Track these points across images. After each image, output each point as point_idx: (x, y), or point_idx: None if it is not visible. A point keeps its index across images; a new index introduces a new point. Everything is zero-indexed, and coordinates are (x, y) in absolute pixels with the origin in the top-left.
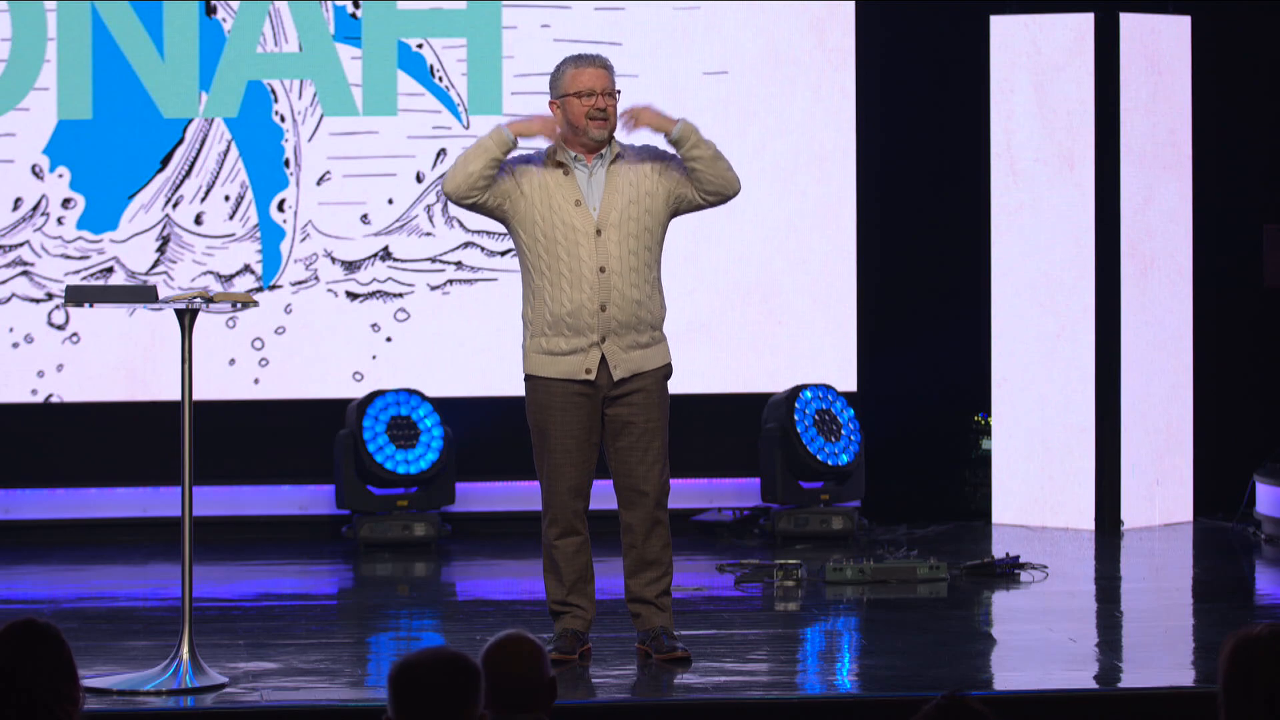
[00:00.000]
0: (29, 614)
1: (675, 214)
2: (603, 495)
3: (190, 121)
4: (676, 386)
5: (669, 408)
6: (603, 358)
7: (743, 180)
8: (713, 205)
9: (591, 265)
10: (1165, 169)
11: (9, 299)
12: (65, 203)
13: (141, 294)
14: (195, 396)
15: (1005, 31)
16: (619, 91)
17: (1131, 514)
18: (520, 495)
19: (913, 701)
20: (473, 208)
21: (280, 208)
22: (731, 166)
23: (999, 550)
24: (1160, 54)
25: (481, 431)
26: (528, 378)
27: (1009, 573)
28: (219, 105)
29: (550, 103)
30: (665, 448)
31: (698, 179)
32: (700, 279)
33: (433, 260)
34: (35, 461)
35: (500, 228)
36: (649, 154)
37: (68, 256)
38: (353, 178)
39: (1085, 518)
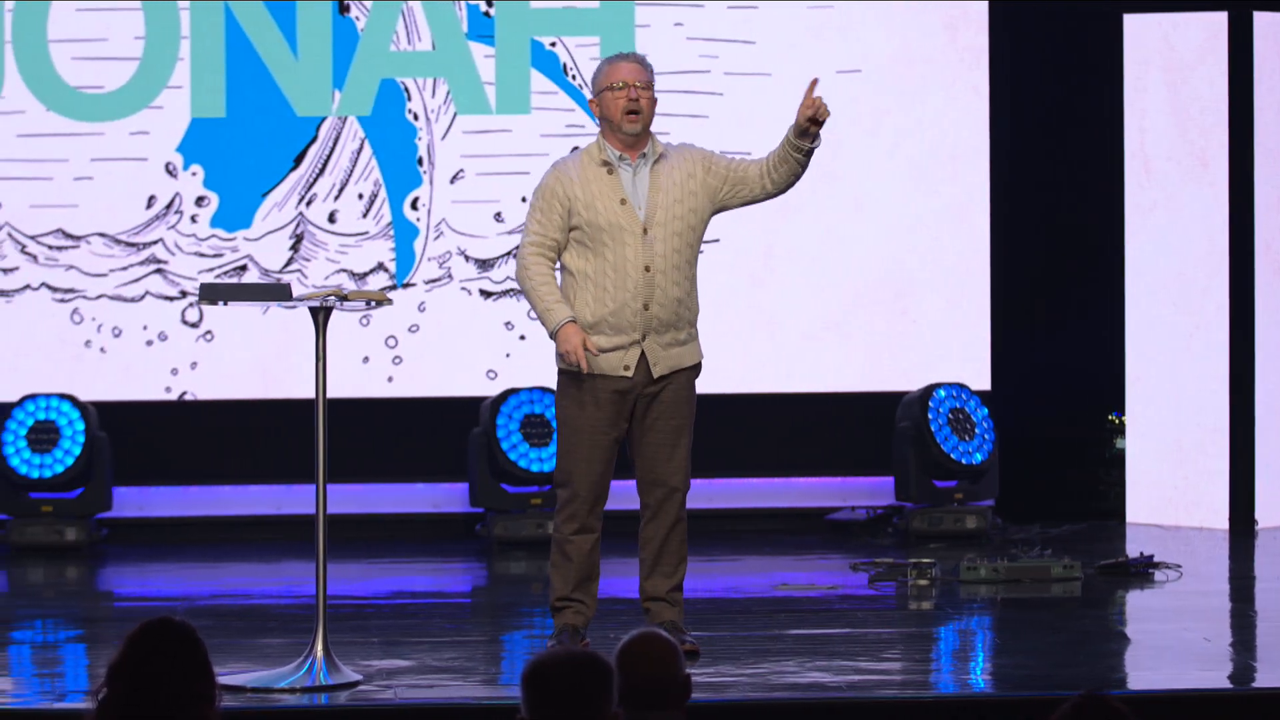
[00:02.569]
0: (164, 613)
1: (718, 211)
2: (611, 495)
3: (324, 120)
4: (809, 385)
5: (695, 406)
6: (642, 354)
7: (876, 178)
8: (766, 200)
9: (637, 264)
10: None
11: (143, 297)
12: (199, 200)
13: (275, 292)
14: (329, 394)
15: (1138, 30)
16: (653, 87)
17: (1266, 513)
18: None
19: (1047, 701)
20: None
21: (414, 206)
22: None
23: (1133, 549)
24: None
25: None
26: (562, 372)
27: (1143, 572)
28: (352, 103)
29: (590, 101)
30: (690, 445)
31: (781, 173)
32: (832, 277)
33: None
34: (169, 459)
35: None
36: (692, 154)
37: (201, 254)
38: (486, 176)
39: (1219, 517)
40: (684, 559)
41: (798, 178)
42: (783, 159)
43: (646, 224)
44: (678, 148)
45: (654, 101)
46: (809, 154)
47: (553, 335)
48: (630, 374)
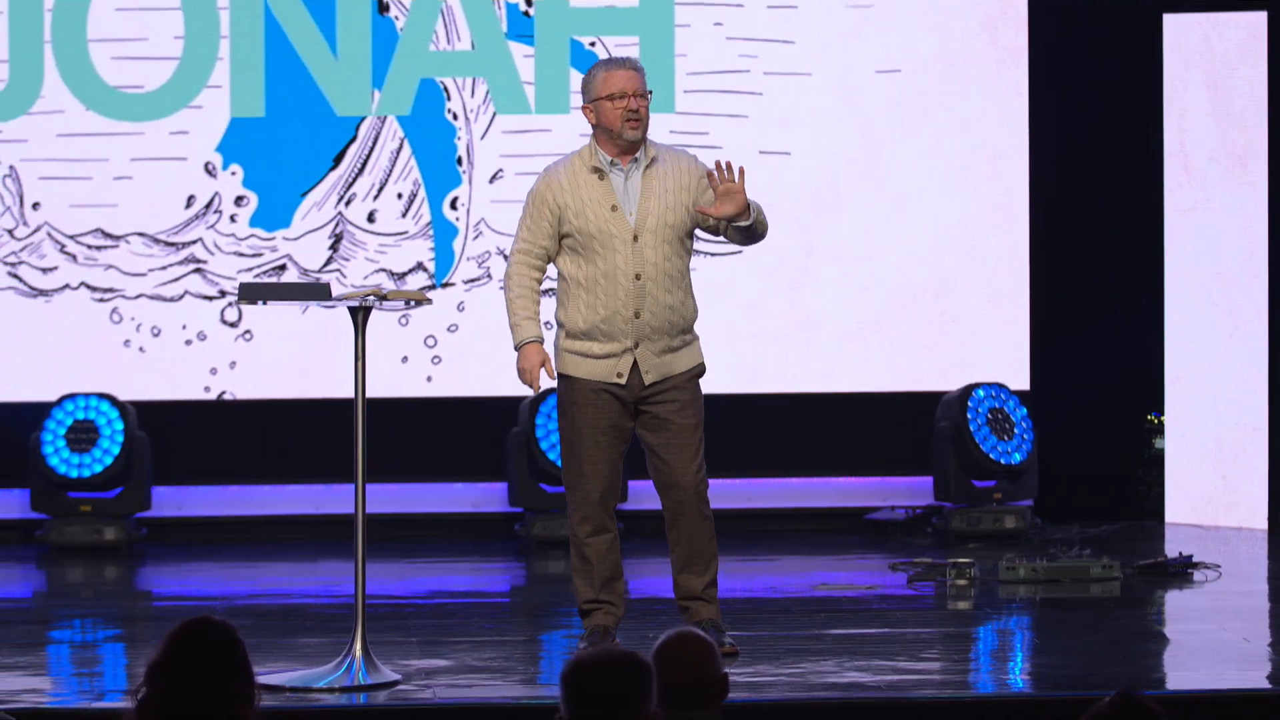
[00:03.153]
0: (204, 612)
1: (696, 228)
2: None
3: (363, 119)
4: (849, 385)
5: (703, 406)
6: (634, 362)
7: (915, 178)
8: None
9: (627, 272)
10: None
11: (182, 296)
12: (238, 200)
13: (315, 291)
14: (368, 394)
15: (1178, 30)
16: (650, 93)
17: None
18: None
19: (1086, 701)
20: None
21: (453, 205)
22: (766, 228)
23: (1172, 549)
24: None
25: None
26: (560, 376)
27: (1182, 572)
28: (392, 103)
29: (583, 107)
30: (701, 444)
31: (730, 236)
32: (872, 277)
33: None
34: (208, 458)
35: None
36: (689, 166)
37: (240, 254)
38: (525, 176)
39: (1259, 517)
40: (714, 555)
41: (752, 241)
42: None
43: (637, 230)
44: (672, 151)
45: (649, 104)
46: (751, 231)
47: (516, 349)
48: (623, 381)
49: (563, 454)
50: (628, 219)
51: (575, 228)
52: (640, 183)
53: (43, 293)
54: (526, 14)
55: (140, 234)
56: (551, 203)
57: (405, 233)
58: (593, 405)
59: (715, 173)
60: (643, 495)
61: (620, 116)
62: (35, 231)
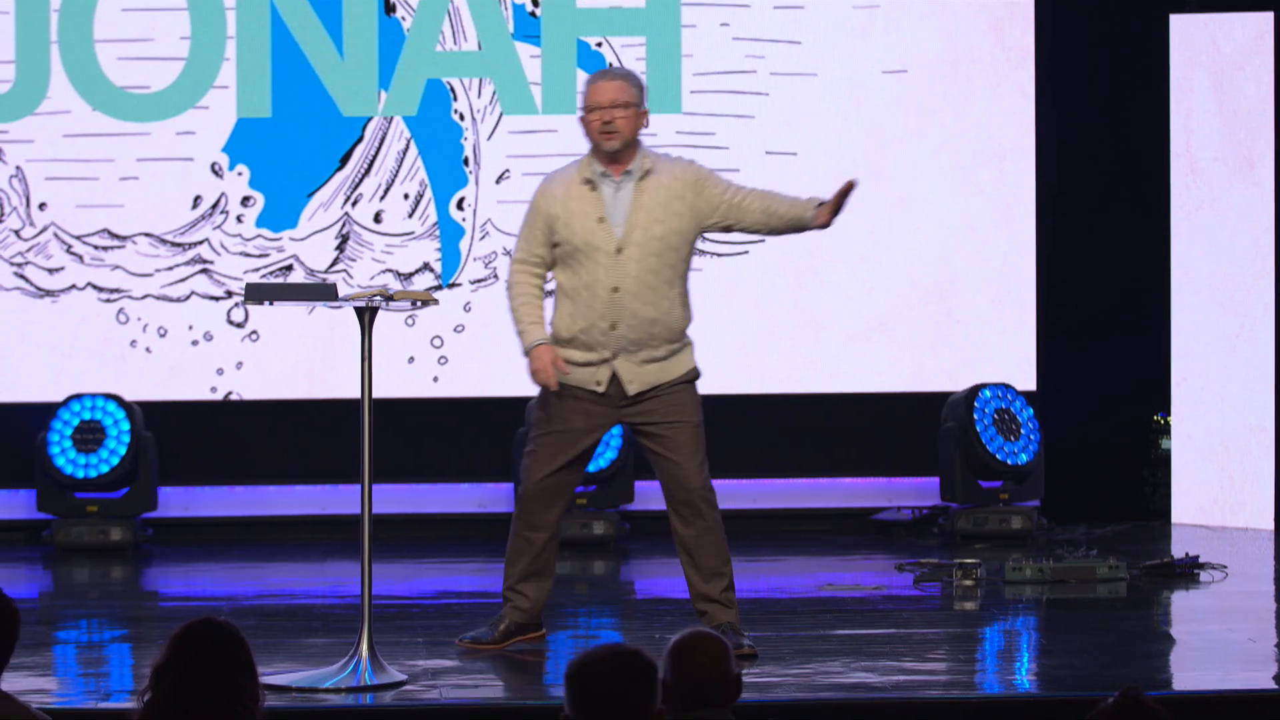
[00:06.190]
0: (207, 613)
1: (705, 233)
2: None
3: (369, 120)
4: (856, 385)
5: (701, 409)
6: (614, 373)
7: (921, 179)
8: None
9: (605, 284)
10: None
11: (189, 297)
12: (245, 200)
13: (321, 292)
14: (374, 395)
15: (1185, 30)
16: (634, 105)
17: None
18: None
19: (1092, 702)
20: None
21: (459, 206)
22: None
23: (1178, 550)
24: None
25: None
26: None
27: (1188, 573)
28: (398, 103)
29: (579, 118)
30: (702, 448)
31: (782, 227)
32: (879, 278)
33: None
34: (214, 459)
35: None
36: (685, 173)
37: (247, 254)
38: (532, 176)
39: (1265, 518)
40: (727, 559)
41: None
42: (792, 223)
43: (622, 243)
44: (672, 162)
45: (637, 117)
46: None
47: (525, 355)
48: (602, 389)
49: (526, 446)
50: (614, 231)
51: (563, 238)
52: (631, 194)
53: (49, 293)
54: (533, 14)
55: (147, 234)
56: (545, 212)
57: (412, 233)
58: (565, 408)
59: (838, 196)
60: (649, 495)
61: (595, 129)
62: (42, 232)
